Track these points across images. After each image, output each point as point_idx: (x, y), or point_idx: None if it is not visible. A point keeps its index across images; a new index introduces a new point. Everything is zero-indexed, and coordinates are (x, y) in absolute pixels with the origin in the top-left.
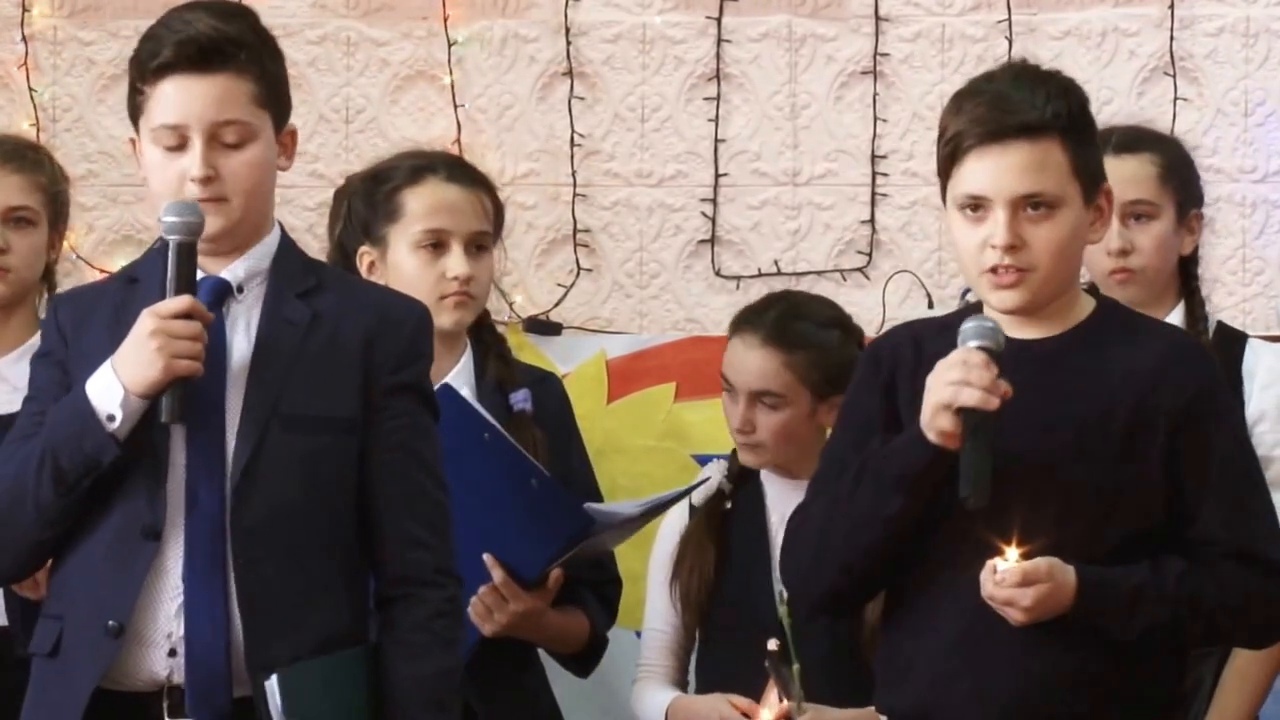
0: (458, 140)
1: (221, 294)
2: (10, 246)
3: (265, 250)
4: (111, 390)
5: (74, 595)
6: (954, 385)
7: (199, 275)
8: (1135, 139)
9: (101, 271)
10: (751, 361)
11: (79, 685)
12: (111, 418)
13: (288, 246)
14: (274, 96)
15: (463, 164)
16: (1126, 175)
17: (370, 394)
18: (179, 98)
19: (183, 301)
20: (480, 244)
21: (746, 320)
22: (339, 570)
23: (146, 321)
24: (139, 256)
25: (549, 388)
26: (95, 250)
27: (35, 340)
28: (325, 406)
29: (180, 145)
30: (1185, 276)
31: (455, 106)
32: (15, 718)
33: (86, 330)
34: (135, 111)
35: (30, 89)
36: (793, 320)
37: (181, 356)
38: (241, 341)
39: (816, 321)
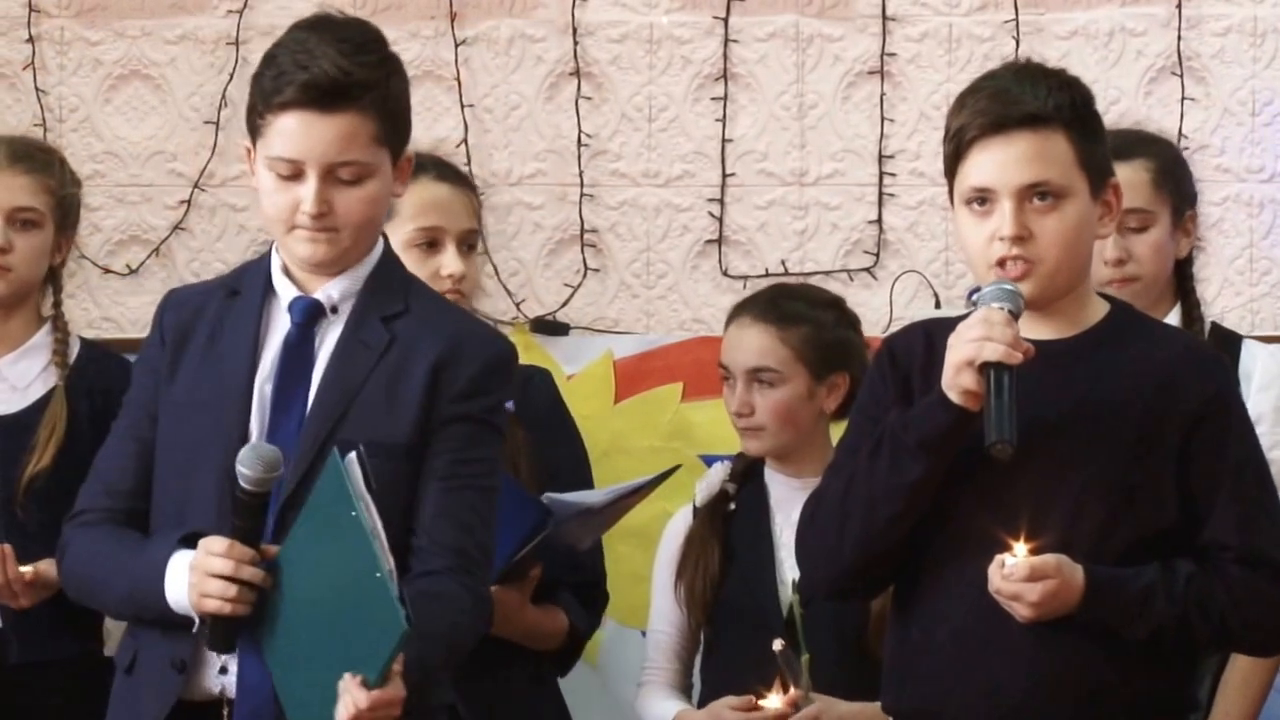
0: (465, 140)
1: (314, 314)
2: (12, 246)
3: (364, 270)
4: (182, 593)
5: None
6: (976, 342)
7: (295, 294)
8: (1127, 144)
9: (106, 271)
10: (747, 340)
11: (148, 712)
12: (180, 606)
13: (386, 266)
14: (394, 131)
15: (450, 164)
16: (1120, 182)
17: (429, 421)
18: (298, 135)
19: (220, 545)
20: (470, 243)
21: (741, 306)
22: None
23: (197, 550)
24: (247, 261)
25: (536, 384)
26: (101, 250)
27: (36, 340)
28: (383, 432)
29: (295, 176)
30: (1181, 279)
31: (462, 106)
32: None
33: (185, 348)
34: (253, 131)
35: (37, 89)
36: (786, 299)
37: (209, 596)
38: (323, 364)
39: (810, 301)
